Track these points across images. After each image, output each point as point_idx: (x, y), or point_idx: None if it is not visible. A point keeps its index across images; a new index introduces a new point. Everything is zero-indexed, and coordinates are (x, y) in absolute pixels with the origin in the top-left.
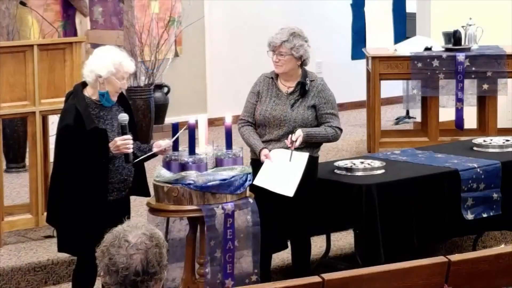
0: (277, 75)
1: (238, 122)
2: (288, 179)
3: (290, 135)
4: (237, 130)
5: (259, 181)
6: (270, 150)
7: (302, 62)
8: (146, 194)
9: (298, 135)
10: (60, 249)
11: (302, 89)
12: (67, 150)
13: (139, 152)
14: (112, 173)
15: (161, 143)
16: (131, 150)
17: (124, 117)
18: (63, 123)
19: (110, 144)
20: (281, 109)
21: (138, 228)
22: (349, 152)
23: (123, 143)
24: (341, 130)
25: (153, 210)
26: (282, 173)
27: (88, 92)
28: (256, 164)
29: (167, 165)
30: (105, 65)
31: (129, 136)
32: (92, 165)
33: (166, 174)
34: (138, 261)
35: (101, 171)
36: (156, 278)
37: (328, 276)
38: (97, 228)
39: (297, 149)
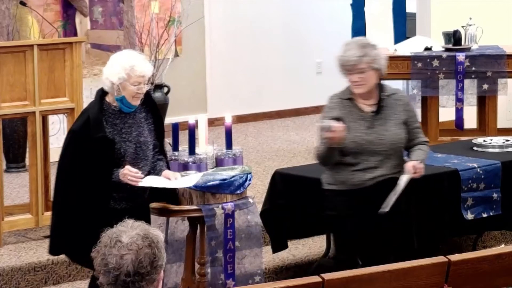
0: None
1: (316, 147)
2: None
3: (410, 164)
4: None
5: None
6: (369, 179)
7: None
8: (168, 198)
9: (420, 166)
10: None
11: (385, 106)
12: (70, 156)
13: (152, 170)
14: (120, 184)
15: (170, 175)
16: (136, 184)
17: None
18: (70, 128)
19: (121, 171)
20: (374, 131)
21: (133, 229)
22: None
23: (132, 177)
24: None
25: (153, 210)
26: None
27: (108, 98)
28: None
29: None
30: (116, 71)
31: (139, 175)
32: (93, 174)
33: None
34: (129, 262)
35: (102, 180)
36: (148, 279)
37: (328, 276)
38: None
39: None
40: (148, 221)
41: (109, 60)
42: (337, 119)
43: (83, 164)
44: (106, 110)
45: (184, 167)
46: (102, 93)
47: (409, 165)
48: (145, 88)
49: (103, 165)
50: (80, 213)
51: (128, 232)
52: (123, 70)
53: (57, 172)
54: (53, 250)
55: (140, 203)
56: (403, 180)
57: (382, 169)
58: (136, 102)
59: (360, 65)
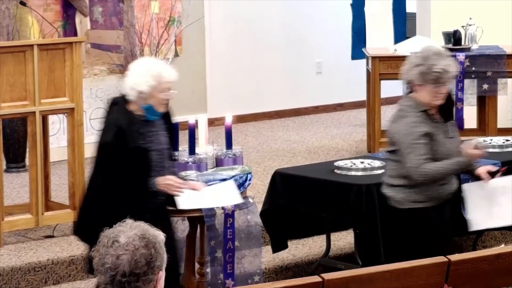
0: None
1: (416, 165)
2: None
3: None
4: (416, 175)
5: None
6: (453, 191)
7: None
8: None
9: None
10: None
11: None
12: (105, 168)
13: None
14: (150, 196)
15: (196, 186)
16: (179, 195)
17: None
18: (102, 140)
19: (161, 178)
20: (452, 141)
21: (132, 229)
22: (349, 152)
23: (177, 187)
24: None
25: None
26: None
27: (131, 107)
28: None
29: None
30: (145, 80)
31: (186, 185)
32: (130, 185)
33: None
34: (125, 262)
35: (138, 192)
36: (145, 279)
37: (328, 276)
38: None
39: None
40: (168, 223)
41: (129, 70)
42: (428, 133)
43: (120, 175)
44: (132, 119)
45: (184, 167)
46: (124, 102)
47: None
48: (172, 94)
49: (138, 175)
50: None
51: (126, 232)
52: (151, 78)
53: (92, 185)
54: (77, 232)
55: (160, 206)
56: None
57: (455, 179)
58: (162, 109)
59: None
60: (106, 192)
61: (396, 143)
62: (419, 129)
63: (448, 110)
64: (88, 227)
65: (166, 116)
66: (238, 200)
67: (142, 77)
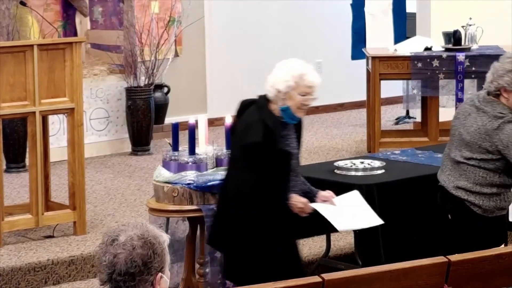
0: None
1: None
2: None
3: None
4: None
5: None
6: None
7: None
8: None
9: None
10: (226, 277)
11: None
12: (254, 170)
13: (302, 192)
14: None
15: (326, 195)
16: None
17: None
18: (251, 139)
19: (295, 198)
20: None
21: (133, 228)
22: (349, 152)
23: (306, 212)
24: None
25: (153, 210)
26: None
27: (271, 107)
28: None
29: (167, 165)
30: (284, 79)
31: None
32: (273, 188)
33: (166, 174)
34: (122, 261)
35: (281, 196)
36: (140, 279)
37: (328, 276)
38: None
39: None
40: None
41: (275, 67)
42: None
43: (267, 178)
44: (275, 119)
45: (184, 167)
46: (265, 102)
47: None
48: (312, 100)
49: (283, 178)
50: (257, 238)
51: (126, 232)
52: (292, 78)
53: (237, 188)
54: (212, 241)
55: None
56: None
57: None
58: (301, 114)
59: None
60: (253, 195)
61: (504, 150)
62: None
63: None
64: (228, 233)
65: (298, 123)
66: (378, 220)
67: (283, 76)
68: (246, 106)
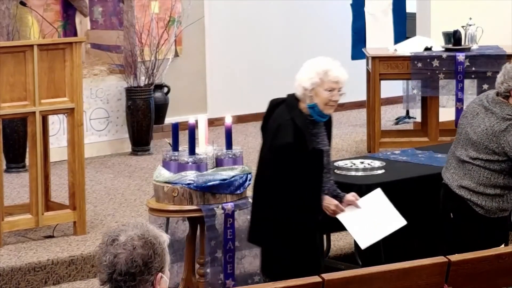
0: None
1: None
2: None
3: None
4: None
5: None
6: None
7: None
8: None
9: None
10: (264, 274)
11: None
12: (285, 170)
13: (329, 193)
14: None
15: (351, 199)
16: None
17: None
18: (282, 140)
19: (328, 200)
20: None
21: (133, 228)
22: (349, 152)
23: (336, 212)
24: None
25: (153, 210)
26: None
27: (300, 105)
28: None
29: (167, 165)
30: (309, 76)
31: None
32: (306, 188)
33: (166, 174)
34: (122, 261)
35: (314, 196)
36: (140, 279)
37: (328, 276)
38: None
39: None
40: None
41: (302, 66)
42: None
43: (300, 175)
44: (305, 118)
45: (184, 167)
46: (295, 101)
47: None
48: (339, 96)
49: (316, 177)
50: (289, 235)
51: (127, 232)
52: (316, 75)
53: (269, 189)
54: (253, 238)
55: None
56: None
57: None
58: (329, 111)
59: None
60: (285, 195)
61: (511, 152)
62: None
63: None
64: (265, 230)
65: (328, 120)
66: (402, 221)
67: (308, 74)
68: (275, 106)
